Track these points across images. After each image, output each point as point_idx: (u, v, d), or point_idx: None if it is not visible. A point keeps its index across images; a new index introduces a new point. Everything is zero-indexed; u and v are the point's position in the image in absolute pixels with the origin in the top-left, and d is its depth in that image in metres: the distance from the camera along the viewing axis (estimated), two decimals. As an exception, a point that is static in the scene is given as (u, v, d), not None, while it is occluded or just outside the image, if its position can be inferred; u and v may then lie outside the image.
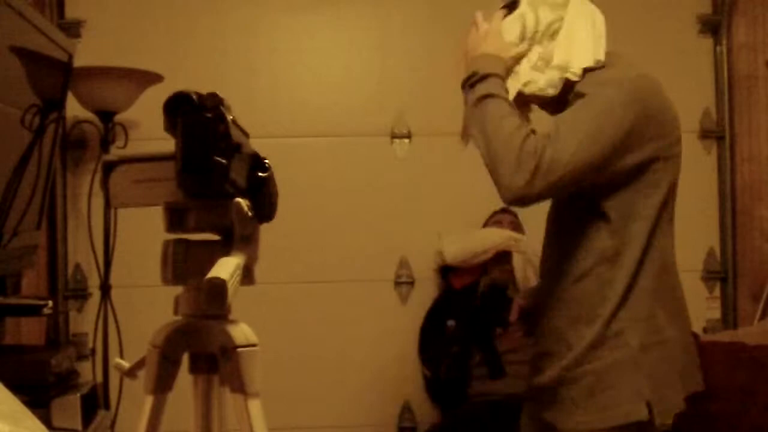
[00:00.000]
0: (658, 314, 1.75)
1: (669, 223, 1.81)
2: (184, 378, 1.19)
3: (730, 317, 3.41)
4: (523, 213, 3.25)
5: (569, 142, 1.65)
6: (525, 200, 1.75)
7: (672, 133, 1.76)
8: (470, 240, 3.18)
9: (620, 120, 1.67)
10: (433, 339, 3.15)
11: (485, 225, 3.26)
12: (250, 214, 1.13)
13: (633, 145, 1.69)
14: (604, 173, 1.69)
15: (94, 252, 3.08)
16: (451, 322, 3.08)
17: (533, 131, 1.72)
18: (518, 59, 1.88)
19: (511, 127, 1.75)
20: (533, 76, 1.85)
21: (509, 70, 1.88)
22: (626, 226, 1.74)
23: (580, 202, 1.78)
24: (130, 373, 1.23)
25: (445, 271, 3.24)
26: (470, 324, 2.30)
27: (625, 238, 1.74)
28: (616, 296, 1.74)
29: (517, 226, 3.21)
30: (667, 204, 1.77)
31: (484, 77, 1.89)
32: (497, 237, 3.15)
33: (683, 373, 1.79)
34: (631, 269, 1.74)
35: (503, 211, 3.26)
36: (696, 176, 3.28)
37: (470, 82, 1.92)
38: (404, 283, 3.36)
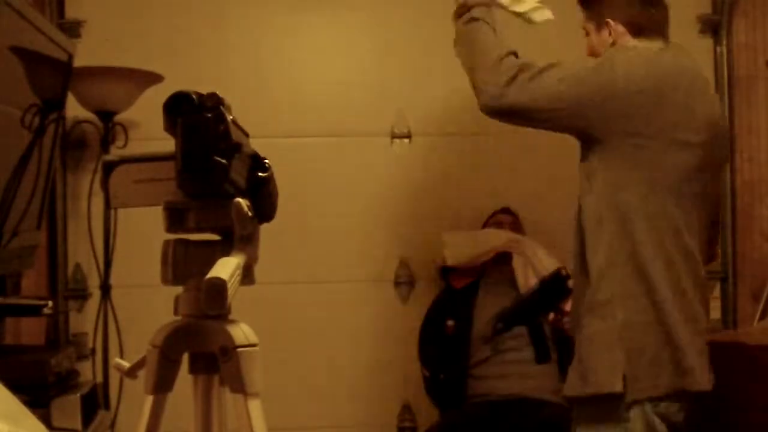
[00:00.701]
0: (657, 295, 1.80)
1: (670, 212, 1.84)
2: (184, 378, 1.19)
3: (730, 317, 3.41)
4: (523, 214, 3.25)
5: (551, 74, 1.92)
6: (498, 107, 1.92)
7: (658, 119, 1.83)
8: (471, 242, 3.18)
9: (606, 81, 1.84)
10: (432, 339, 3.14)
11: (485, 225, 3.26)
12: (250, 214, 1.13)
13: (608, 113, 1.83)
14: (573, 123, 1.87)
15: (94, 252, 3.08)
16: (450, 322, 3.08)
17: (515, 53, 1.97)
18: None
19: (494, 43, 1.98)
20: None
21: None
22: (613, 194, 1.83)
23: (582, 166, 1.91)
24: (130, 373, 1.23)
25: (445, 271, 3.24)
26: (526, 305, 2.36)
27: (611, 207, 1.83)
28: (597, 266, 1.83)
29: (517, 227, 3.21)
30: (659, 184, 1.82)
31: (471, 7, 2.05)
32: (498, 239, 3.15)
33: (677, 365, 1.82)
34: (628, 249, 1.82)
35: (503, 211, 3.26)
36: (696, 176, 3.28)
37: (459, 12, 2.08)
38: (404, 283, 3.36)
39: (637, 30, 2.04)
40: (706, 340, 1.93)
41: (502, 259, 3.14)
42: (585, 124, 1.86)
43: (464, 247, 3.16)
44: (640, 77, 1.85)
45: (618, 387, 1.78)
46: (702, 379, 1.89)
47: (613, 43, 2.05)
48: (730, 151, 3.19)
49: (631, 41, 2.04)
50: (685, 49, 2.05)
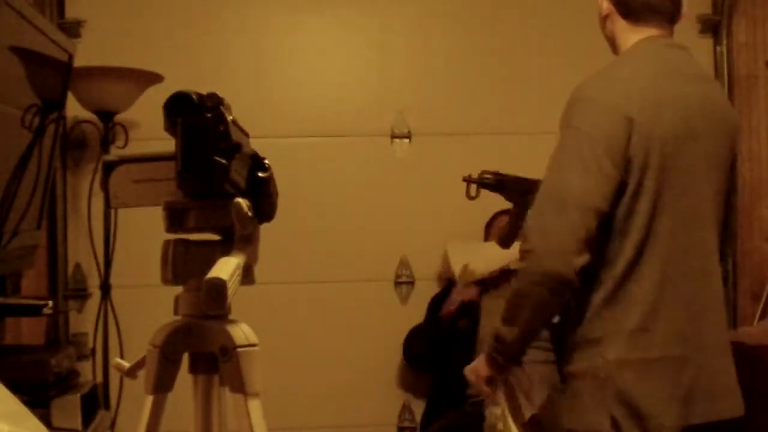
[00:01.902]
0: (653, 329, 1.70)
1: (677, 228, 1.72)
2: (184, 378, 1.19)
3: (730, 317, 3.41)
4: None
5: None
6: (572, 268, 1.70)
7: None
8: (480, 259, 3.10)
9: None
10: (441, 335, 3.13)
11: (488, 227, 3.24)
12: (250, 214, 1.13)
13: None
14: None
15: (94, 252, 3.08)
16: (463, 321, 3.08)
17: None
18: None
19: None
20: None
21: None
22: (624, 221, 1.71)
23: None
24: (130, 373, 1.23)
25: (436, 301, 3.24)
26: None
27: (617, 239, 1.71)
28: (598, 299, 1.72)
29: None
30: (659, 203, 1.71)
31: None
32: (505, 257, 3.12)
33: (686, 399, 1.71)
34: (615, 276, 1.71)
35: (507, 212, 3.23)
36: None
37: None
38: (404, 283, 3.36)
39: (626, 11, 1.84)
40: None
41: (508, 275, 3.14)
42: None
43: (473, 264, 3.11)
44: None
45: (605, 427, 1.69)
46: (729, 406, 1.80)
47: (606, 18, 1.89)
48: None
49: (620, 23, 1.85)
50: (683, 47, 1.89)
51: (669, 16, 1.83)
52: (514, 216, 2.27)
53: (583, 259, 1.66)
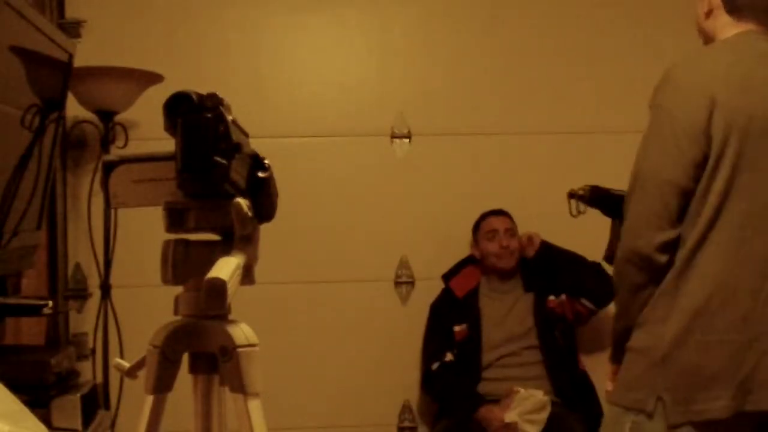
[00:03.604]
0: (716, 312, 1.70)
1: (753, 211, 1.71)
2: (184, 378, 1.19)
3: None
4: (523, 214, 3.24)
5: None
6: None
7: None
8: None
9: None
10: (440, 345, 3.14)
11: (476, 229, 3.23)
12: (250, 214, 1.13)
13: None
14: None
15: (94, 252, 3.08)
16: (458, 328, 3.10)
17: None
18: None
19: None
20: None
21: None
22: (699, 200, 1.71)
23: None
24: (130, 373, 1.23)
25: (446, 276, 3.24)
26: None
27: (692, 218, 1.72)
28: (669, 278, 1.74)
29: (513, 233, 3.18)
30: (735, 184, 1.70)
31: None
32: None
33: (742, 385, 1.69)
34: (682, 257, 1.72)
35: (497, 213, 3.22)
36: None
37: None
38: (404, 283, 3.36)
39: (732, 7, 1.83)
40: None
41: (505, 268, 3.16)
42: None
43: None
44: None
45: (649, 407, 1.71)
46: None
47: (709, 13, 1.88)
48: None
49: (723, 18, 1.84)
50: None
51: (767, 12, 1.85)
52: (614, 232, 2.25)
53: (664, 236, 1.70)
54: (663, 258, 1.71)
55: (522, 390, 2.89)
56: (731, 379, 1.69)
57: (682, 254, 1.72)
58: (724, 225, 1.70)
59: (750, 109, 1.71)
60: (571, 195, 2.22)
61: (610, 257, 2.12)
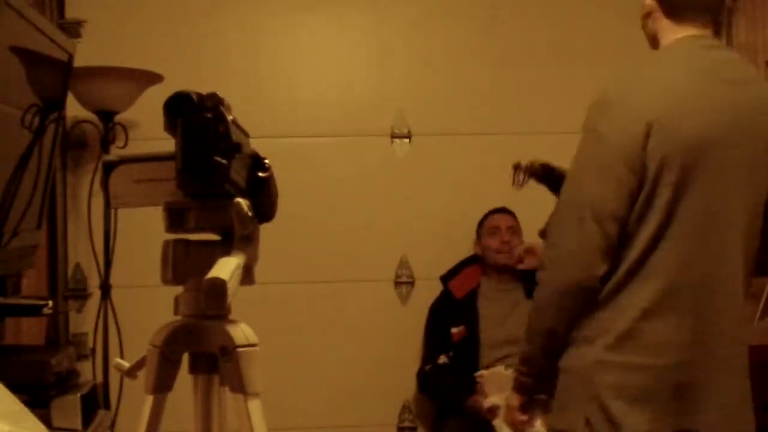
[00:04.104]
0: (641, 335, 1.66)
1: (692, 237, 1.66)
2: (184, 378, 1.19)
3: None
4: (523, 214, 3.24)
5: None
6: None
7: None
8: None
9: None
10: (438, 348, 3.14)
11: (480, 227, 3.24)
12: (250, 214, 1.13)
13: None
14: None
15: (94, 252, 3.08)
16: (455, 330, 3.10)
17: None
18: None
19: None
20: None
21: None
22: (633, 225, 1.66)
23: None
24: (130, 373, 1.23)
25: (445, 278, 3.24)
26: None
27: (626, 243, 1.67)
28: (600, 299, 1.69)
29: (516, 231, 3.18)
30: (674, 211, 1.65)
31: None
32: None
33: (667, 408, 1.66)
34: (615, 279, 1.68)
35: (500, 210, 3.23)
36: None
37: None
38: (404, 283, 3.36)
39: (669, 9, 1.77)
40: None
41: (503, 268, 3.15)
42: None
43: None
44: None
45: (580, 428, 1.67)
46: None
47: (648, 15, 1.82)
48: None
49: (662, 21, 1.78)
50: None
51: (712, 13, 1.77)
52: None
53: (605, 266, 1.66)
54: (600, 285, 1.68)
55: (485, 372, 2.89)
56: (655, 406, 1.66)
57: (614, 278, 1.68)
58: (660, 251, 1.66)
59: (688, 131, 1.65)
60: (517, 167, 2.19)
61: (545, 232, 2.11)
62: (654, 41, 1.83)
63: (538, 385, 1.83)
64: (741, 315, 1.76)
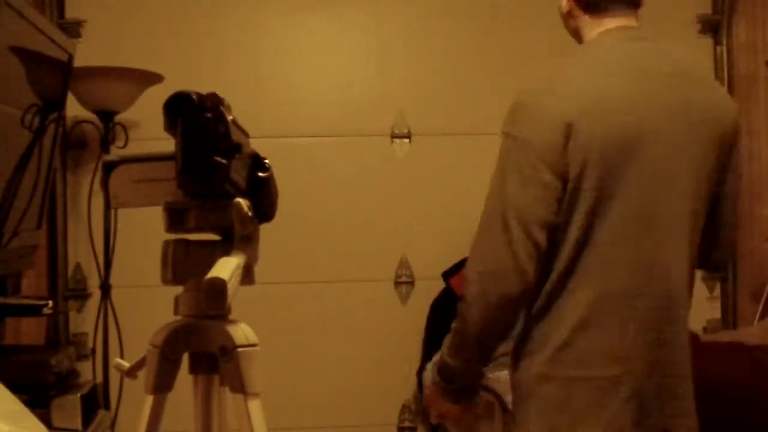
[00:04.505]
0: (579, 346, 1.60)
1: (620, 241, 1.59)
2: (184, 378, 1.19)
3: (730, 317, 3.41)
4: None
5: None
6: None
7: None
8: None
9: None
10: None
11: None
12: (250, 214, 1.13)
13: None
14: None
15: (94, 252, 3.08)
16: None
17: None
18: None
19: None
20: None
21: None
22: (560, 232, 1.59)
23: None
24: (130, 373, 1.23)
25: (447, 274, 3.24)
26: None
27: (553, 250, 1.60)
28: (534, 312, 1.64)
29: None
30: (598, 214, 1.58)
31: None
32: None
33: (611, 423, 1.60)
34: (548, 289, 1.62)
35: None
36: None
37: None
38: (404, 283, 3.36)
39: (586, 4, 1.70)
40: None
41: None
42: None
43: None
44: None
45: None
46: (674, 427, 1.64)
47: (568, 14, 1.76)
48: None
49: (582, 18, 1.72)
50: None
51: (633, 2, 1.69)
52: None
53: (532, 275, 1.58)
54: (533, 293, 1.62)
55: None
56: (597, 417, 1.60)
57: (545, 287, 1.62)
58: (587, 257, 1.59)
59: (609, 129, 1.57)
60: None
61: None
62: (579, 39, 1.77)
63: (465, 393, 1.78)
64: (686, 320, 1.67)
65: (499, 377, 2.87)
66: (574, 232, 1.58)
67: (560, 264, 1.60)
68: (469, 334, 1.66)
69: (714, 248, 1.76)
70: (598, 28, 1.70)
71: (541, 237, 1.57)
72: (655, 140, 1.59)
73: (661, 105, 1.61)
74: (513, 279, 1.57)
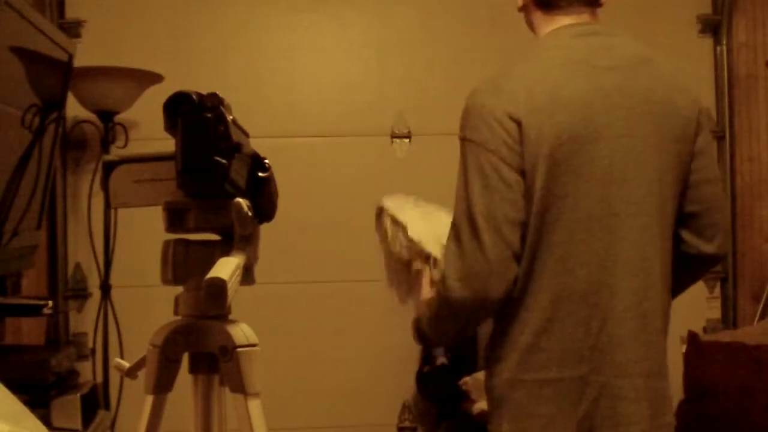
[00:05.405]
0: (546, 348, 1.58)
1: (577, 239, 1.57)
2: (184, 378, 1.19)
3: (730, 317, 3.41)
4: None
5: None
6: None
7: None
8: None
9: None
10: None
11: None
12: (250, 214, 1.13)
13: None
14: None
15: (94, 252, 3.08)
16: None
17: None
18: None
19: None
20: None
21: None
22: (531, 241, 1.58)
23: None
24: (130, 373, 1.23)
25: None
26: None
27: (522, 264, 1.58)
28: (500, 316, 1.63)
29: None
30: (552, 213, 1.56)
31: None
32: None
33: (582, 425, 1.58)
34: (515, 295, 1.59)
35: None
36: (696, 176, 3.28)
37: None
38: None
39: (540, 0, 1.68)
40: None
41: None
42: None
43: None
44: None
45: None
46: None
47: (523, 9, 1.74)
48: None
49: (536, 14, 1.70)
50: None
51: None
52: None
53: (511, 275, 1.56)
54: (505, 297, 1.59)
55: (468, 379, 2.89)
56: (569, 419, 1.58)
57: (515, 288, 1.59)
58: (543, 257, 1.57)
59: (559, 126, 1.54)
60: None
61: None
62: (536, 34, 1.75)
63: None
64: (660, 316, 1.64)
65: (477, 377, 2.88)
66: (530, 234, 1.56)
67: (522, 265, 1.58)
68: (441, 332, 1.72)
69: (707, 240, 1.70)
70: (550, 24, 1.68)
71: (514, 236, 1.55)
72: (611, 135, 1.56)
73: (612, 100, 1.58)
74: (487, 284, 1.55)
